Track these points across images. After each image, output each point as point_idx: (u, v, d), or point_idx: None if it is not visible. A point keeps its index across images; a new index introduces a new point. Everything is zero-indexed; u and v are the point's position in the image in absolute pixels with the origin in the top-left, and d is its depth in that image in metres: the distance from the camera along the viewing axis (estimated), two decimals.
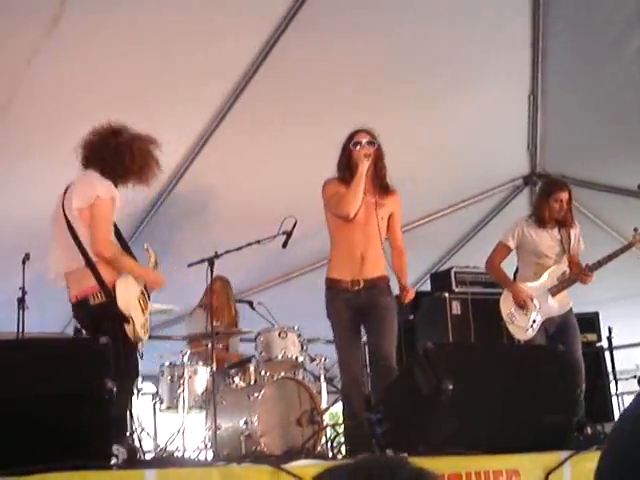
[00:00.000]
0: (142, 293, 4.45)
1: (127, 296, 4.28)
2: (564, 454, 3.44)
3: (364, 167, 4.96)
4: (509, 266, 6.27)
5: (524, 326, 5.87)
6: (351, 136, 5.16)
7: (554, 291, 5.94)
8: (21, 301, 5.96)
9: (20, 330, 5.95)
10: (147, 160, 4.54)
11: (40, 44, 5.22)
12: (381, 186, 5.16)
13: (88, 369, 3.15)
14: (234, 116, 6.39)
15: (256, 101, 6.30)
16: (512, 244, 6.13)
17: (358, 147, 5.07)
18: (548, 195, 6.09)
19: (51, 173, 5.52)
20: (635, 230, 5.96)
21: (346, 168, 5.12)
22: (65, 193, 4.42)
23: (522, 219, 6.19)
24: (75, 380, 3.08)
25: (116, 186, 4.44)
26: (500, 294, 6.12)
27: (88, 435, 3.02)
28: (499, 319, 5.93)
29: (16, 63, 5.36)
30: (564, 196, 6.04)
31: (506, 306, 5.99)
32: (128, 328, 4.21)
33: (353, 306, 4.99)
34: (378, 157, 5.12)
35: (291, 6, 5.61)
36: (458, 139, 7.22)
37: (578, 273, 5.95)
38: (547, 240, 6.04)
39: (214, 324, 6.13)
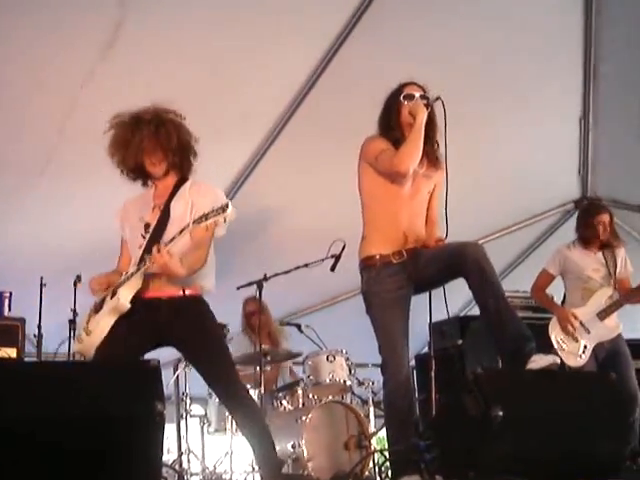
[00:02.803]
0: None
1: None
2: None
3: (424, 117, 4.21)
4: (558, 293, 6.21)
5: (575, 352, 5.80)
6: (400, 89, 4.40)
7: (603, 315, 5.86)
8: (72, 322, 6.04)
9: (72, 352, 6.04)
10: None
11: (94, 68, 5.32)
12: (430, 156, 4.36)
13: (138, 391, 3.17)
14: (284, 139, 6.45)
15: (306, 125, 6.35)
16: (554, 271, 6.12)
17: (411, 101, 4.31)
18: (591, 217, 6.06)
19: (101, 195, 5.60)
20: None
21: (395, 126, 4.35)
22: None
23: (564, 245, 6.17)
24: (126, 402, 3.10)
25: None
26: (550, 319, 6.06)
27: (138, 458, 3.04)
28: (549, 345, 5.86)
29: (70, 86, 5.47)
30: (606, 218, 6.02)
31: (555, 332, 5.92)
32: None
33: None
34: (431, 119, 4.32)
35: (347, 23, 5.69)
36: (510, 162, 7.20)
37: (628, 295, 5.87)
38: (592, 264, 5.99)
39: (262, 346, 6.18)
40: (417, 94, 4.32)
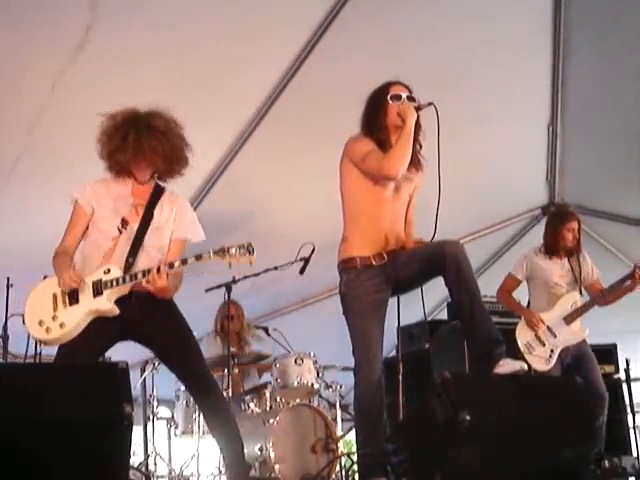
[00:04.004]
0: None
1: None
2: None
3: (413, 120, 4.13)
4: (522, 298, 6.26)
5: (543, 356, 5.85)
6: (386, 88, 4.30)
7: (569, 320, 5.93)
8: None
9: (38, 352, 5.99)
10: None
11: (65, 69, 5.29)
12: (413, 158, 4.24)
13: (106, 393, 3.16)
14: (255, 141, 6.44)
15: (278, 126, 6.35)
16: (521, 276, 6.19)
17: (397, 102, 4.23)
18: (561, 225, 6.12)
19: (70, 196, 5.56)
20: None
21: (381, 127, 4.24)
22: None
23: (531, 250, 6.23)
24: (94, 404, 3.09)
25: None
26: (516, 324, 6.10)
27: (106, 460, 3.03)
28: (516, 350, 5.89)
29: (41, 87, 5.43)
30: (575, 225, 6.11)
31: (523, 336, 5.96)
32: None
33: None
34: (417, 122, 4.21)
35: (321, 23, 5.75)
36: (477, 168, 7.24)
37: (601, 295, 5.94)
38: (558, 270, 6.07)
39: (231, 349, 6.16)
40: (404, 95, 4.25)
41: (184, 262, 3.99)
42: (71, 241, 4.22)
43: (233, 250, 3.92)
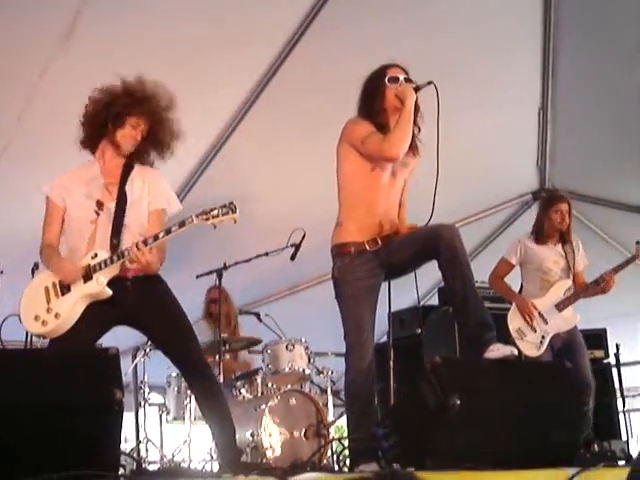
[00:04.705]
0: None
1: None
2: (571, 471, 3.42)
3: (412, 101, 4.09)
4: (513, 284, 6.26)
5: (534, 342, 5.85)
6: (383, 71, 4.27)
7: (561, 306, 5.92)
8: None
9: (29, 340, 5.98)
10: None
11: (53, 57, 5.27)
12: (411, 143, 4.20)
13: (97, 379, 3.16)
14: (244, 129, 6.43)
15: (269, 112, 6.33)
16: (514, 261, 6.14)
17: (395, 84, 4.20)
18: (549, 207, 6.11)
19: None
20: (637, 243, 5.97)
21: (380, 109, 4.20)
22: None
23: (525, 235, 6.19)
24: (85, 390, 3.09)
25: None
26: (508, 310, 6.11)
27: (96, 446, 3.03)
28: (507, 335, 5.90)
29: (29, 75, 5.41)
30: (564, 207, 6.06)
31: (514, 322, 5.95)
32: None
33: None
34: (416, 103, 4.17)
35: (305, 17, 5.74)
36: (467, 153, 7.23)
37: (583, 289, 5.95)
38: (552, 255, 6.04)
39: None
40: (401, 77, 4.22)
41: (168, 232, 3.96)
42: (51, 235, 4.21)
43: (215, 211, 3.91)
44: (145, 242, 3.95)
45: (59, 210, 4.20)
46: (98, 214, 4.13)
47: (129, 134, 4.20)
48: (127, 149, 4.23)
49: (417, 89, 4.15)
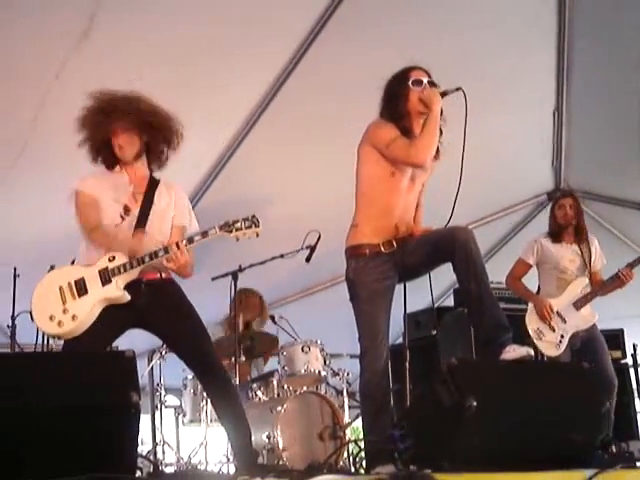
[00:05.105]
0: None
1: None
2: (589, 472, 3.41)
3: (439, 106, 4.05)
4: (531, 284, 6.24)
5: (553, 342, 5.84)
6: (406, 73, 4.20)
7: (579, 305, 5.91)
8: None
9: (45, 342, 6.01)
10: None
11: (69, 58, 5.29)
12: None
13: (114, 382, 3.17)
14: (259, 131, 6.43)
15: (283, 115, 6.33)
16: (532, 260, 6.15)
17: (419, 87, 4.14)
18: (554, 205, 6.22)
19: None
20: None
21: (404, 113, 4.14)
22: None
23: (541, 235, 6.20)
24: (101, 392, 3.10)
25: None
26: (524, 310, 6.09)
27: (113, 448, 3.04)
28: (526, 336, 5.87)
29: (45, 76, 5.43)
30: (566, 201, 6.10)
31: (532, 323, 5.93)
32: None
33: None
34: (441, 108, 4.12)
35: (320, 18, 5.76)
36: (483, 154, 7.20)
37: (600, 287, 5.93)
38: (568, 254, 6.05)
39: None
40: (425, 80, 4.16)
41: (190, 241, 4.00)
42: (93, 218, 4.17)
43: (238, 224, 3.94)
44: (177, 244, 3.99)
45: (94, 199, 4.20)
46: (123, 218, 4.16)
47: (118, 144, 4.22)
48: (130, 156, 4.26)
49: (444, 94, 4.11)
